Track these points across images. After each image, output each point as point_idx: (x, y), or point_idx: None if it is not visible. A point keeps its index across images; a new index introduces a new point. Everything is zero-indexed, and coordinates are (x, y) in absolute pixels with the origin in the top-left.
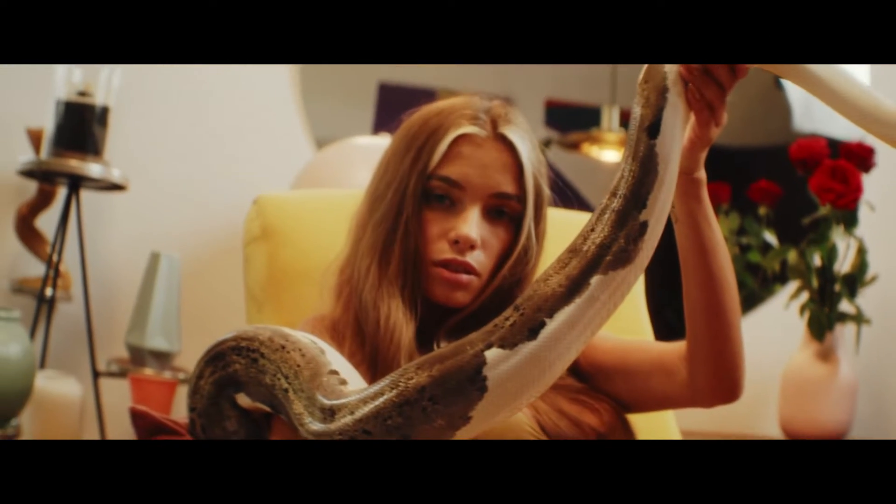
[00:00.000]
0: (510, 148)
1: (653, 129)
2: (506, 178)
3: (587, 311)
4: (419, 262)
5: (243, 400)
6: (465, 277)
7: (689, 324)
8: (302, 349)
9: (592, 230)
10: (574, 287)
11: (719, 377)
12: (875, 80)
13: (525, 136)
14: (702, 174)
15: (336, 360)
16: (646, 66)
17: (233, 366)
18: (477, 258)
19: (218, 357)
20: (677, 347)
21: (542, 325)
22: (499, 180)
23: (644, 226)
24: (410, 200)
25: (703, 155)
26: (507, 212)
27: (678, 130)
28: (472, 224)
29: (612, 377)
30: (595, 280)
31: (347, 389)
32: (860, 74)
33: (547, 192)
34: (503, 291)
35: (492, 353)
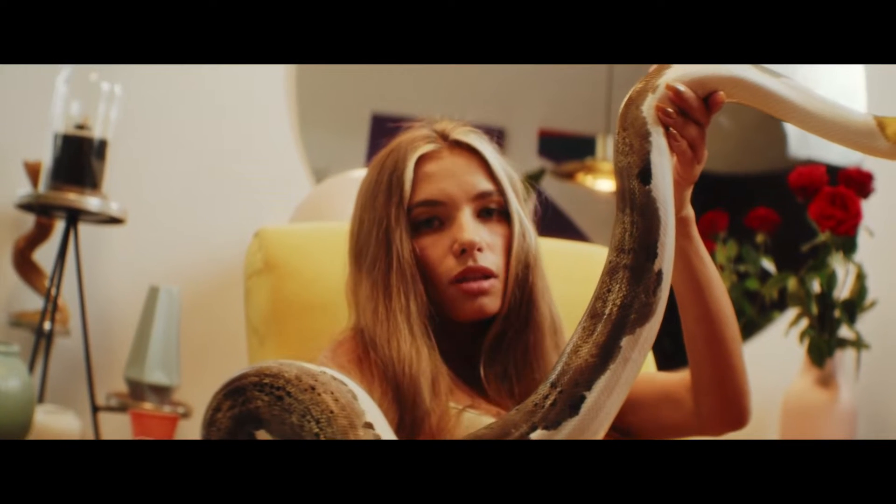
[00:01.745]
0: (469, 149)
1: (644, 174)
2: (479, 178)
3: (622, 374)
4: (435, 285)
5: (264, 437)
6: (486, 283)
7: (691, 357)
8: (334, 392)
9: (609, 290)
10: (606, 354)
11: (725, 406)
12: (870, 80)
13: (478, 135)
14: (689, 212)
15: (369, 407)
16: (620, 113)
17: (254, 402)
18: (488, 259)
19: (238, 391)
20: (682, 377)
21: (583, 399)
22: (473, 182)
23: (660, 275)
24: (396, 233)
25: (689, 193)
26: (494, 208)
27: (668, 171)
28: (469, 228)
29: (621, 409)
30: (625, 341)
31: None
32: (855, 74)
33: (516, 177)
34: (521, 284)
35: (537, 435)
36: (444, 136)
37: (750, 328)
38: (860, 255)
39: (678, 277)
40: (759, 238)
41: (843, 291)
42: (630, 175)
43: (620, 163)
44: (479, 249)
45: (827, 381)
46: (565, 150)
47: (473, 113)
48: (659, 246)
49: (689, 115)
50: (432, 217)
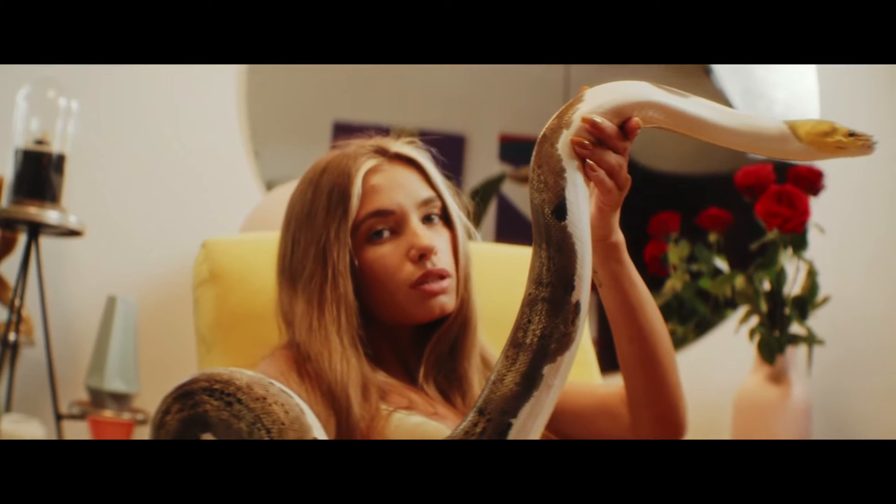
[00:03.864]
0: (408, 160)
1: (559, 211)
2: (421, 186)
3: (545, 400)
4: (393, 291)
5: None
6: (444, 283)
7: (626, 375)
8: (284, 405)
9: (529, 321)
10: (529, 382)
11: (661, 421)
12: (822, 80)
13: (416, 146)
14: (619, 237)
15: (315, 423)
16: (534, 151)
17: (203, 406)
18: (442, 261)
19: (187, 395)
20: (619, 390)
21: (510, 426)
22: (416, 189)
23: (577, 306)
24: (334, 248)
25: (616, 218)
26: (436, 213)
27: (584, 205)
28: (422, 234)
29: (559, 417)
30: (546, 370)
31: None
32: (808, 74)
33: (448, 183)
34: (465, 282)
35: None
36: (383, 151)
37: (703, 326)
38: (812, 252)
39: (610, 301)
40: (712, 237)
41: (794, 288)
42: (545, 212)
43: (535, 199)
44: (435, 253)
45: (778, 378)
46: (525, 154)
47: (435, 118)
48: (576, 279)
49: (606, 144)
50: (382, 228)
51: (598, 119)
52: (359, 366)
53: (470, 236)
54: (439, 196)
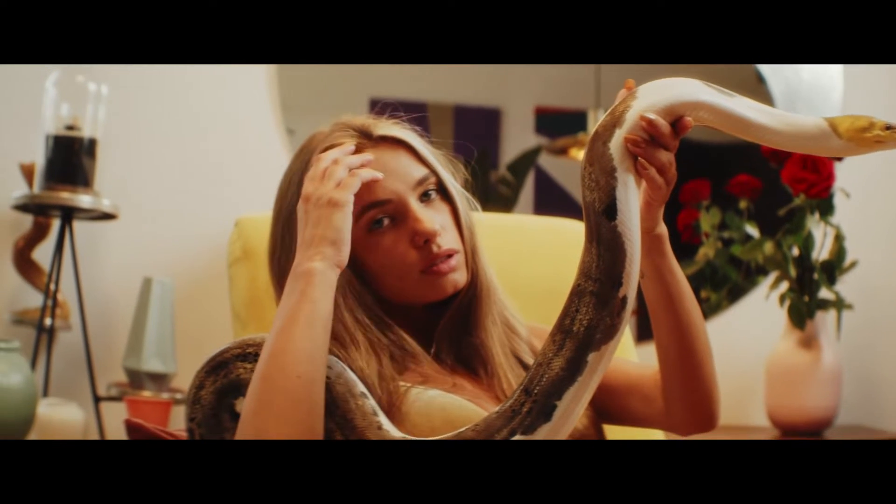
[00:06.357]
0: (394, 141)
1: (610, 210)
2: (413, 166)
3: (589, 384)
4: (403, 277)
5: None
6: (452, 261)
7: (662, 366)
8: (329, 362)
9: (577, 310)
10: (574, 368)
11: (694, 412)
12: (847, 80)
13: (400, 125)
14: (662, 229)
15: (357, 380)
16: (587, 147)
17: (236, 372)
18: (447, 240)
19: (220, 366)
20: (653, 373)
21: (555, 407)
22: (409, 171)
23: (624, 300)
24: None
25: (661, 212)
26: (432, 189)
27: (634, 203)
28: (425, 218)
29: (597, 394)
30: (591, 357)
31: (390, 432)
32: (834, 74)
33: (441, 153)
34: (473, 252)
35: (516, 439)
36: (367, 135)
37: (736, 293)
38: (838, 216)
39: (651, 293)
40: (742, 204)
41: (822, 253)
42: (596, 211)
43: (587, 198)
44: (439, 234)
45: (809, 343)
46: (560, 126)
47: (471, 93)
48: (624, 276)
49: (658, 141)
50: (381, 216)
51: (654, 117)
52: (376, 354)
53: (467, 209)
54: (433, 171)
